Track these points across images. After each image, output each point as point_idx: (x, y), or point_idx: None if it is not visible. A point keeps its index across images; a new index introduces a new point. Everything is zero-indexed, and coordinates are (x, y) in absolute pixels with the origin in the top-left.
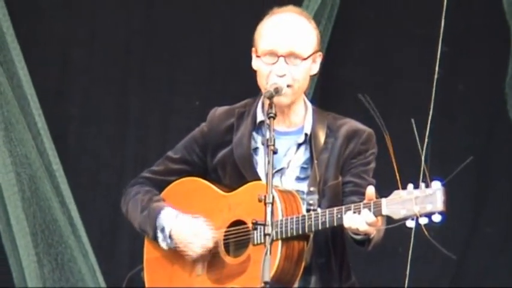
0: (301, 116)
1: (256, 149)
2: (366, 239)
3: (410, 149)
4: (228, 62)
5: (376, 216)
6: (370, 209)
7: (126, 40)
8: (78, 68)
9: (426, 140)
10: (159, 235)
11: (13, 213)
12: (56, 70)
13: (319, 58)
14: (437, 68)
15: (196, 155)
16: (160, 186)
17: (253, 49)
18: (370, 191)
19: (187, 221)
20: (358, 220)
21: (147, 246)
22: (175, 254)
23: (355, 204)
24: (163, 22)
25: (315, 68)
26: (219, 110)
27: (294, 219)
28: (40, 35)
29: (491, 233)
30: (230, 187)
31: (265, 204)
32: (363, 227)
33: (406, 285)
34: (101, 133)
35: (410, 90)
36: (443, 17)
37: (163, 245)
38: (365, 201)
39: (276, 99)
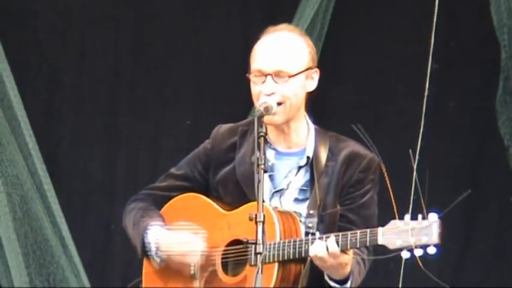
0: (303, 136)
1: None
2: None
3: (400, 166)
4: (218, 82)
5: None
6: (366, 238)
7: (115, 61)
8: (68, 89)
9: (417, 157)
10: (150, 251)
11: (4, 233)
12: (47, 91)
13: (315, 74)
14: (427, 85)
15: (198, 172)
16: (162, 202)
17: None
18: None
19: (172, 234)
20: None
21: (146, 260)
22: (172, 269)
23: (352, 232)
24: (152, 43)
25: (311, 85)
26: (222, 128)
27: (292, 243)
28: (30, 57)
29: (483, 250)
30: (231, 205)
31: (256, 223)
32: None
33: None
34: (92, 154)
35: (401, 108)
36: (433, 34)
37: (157, 260)
38: (361, 230)
39: (269, 119)
